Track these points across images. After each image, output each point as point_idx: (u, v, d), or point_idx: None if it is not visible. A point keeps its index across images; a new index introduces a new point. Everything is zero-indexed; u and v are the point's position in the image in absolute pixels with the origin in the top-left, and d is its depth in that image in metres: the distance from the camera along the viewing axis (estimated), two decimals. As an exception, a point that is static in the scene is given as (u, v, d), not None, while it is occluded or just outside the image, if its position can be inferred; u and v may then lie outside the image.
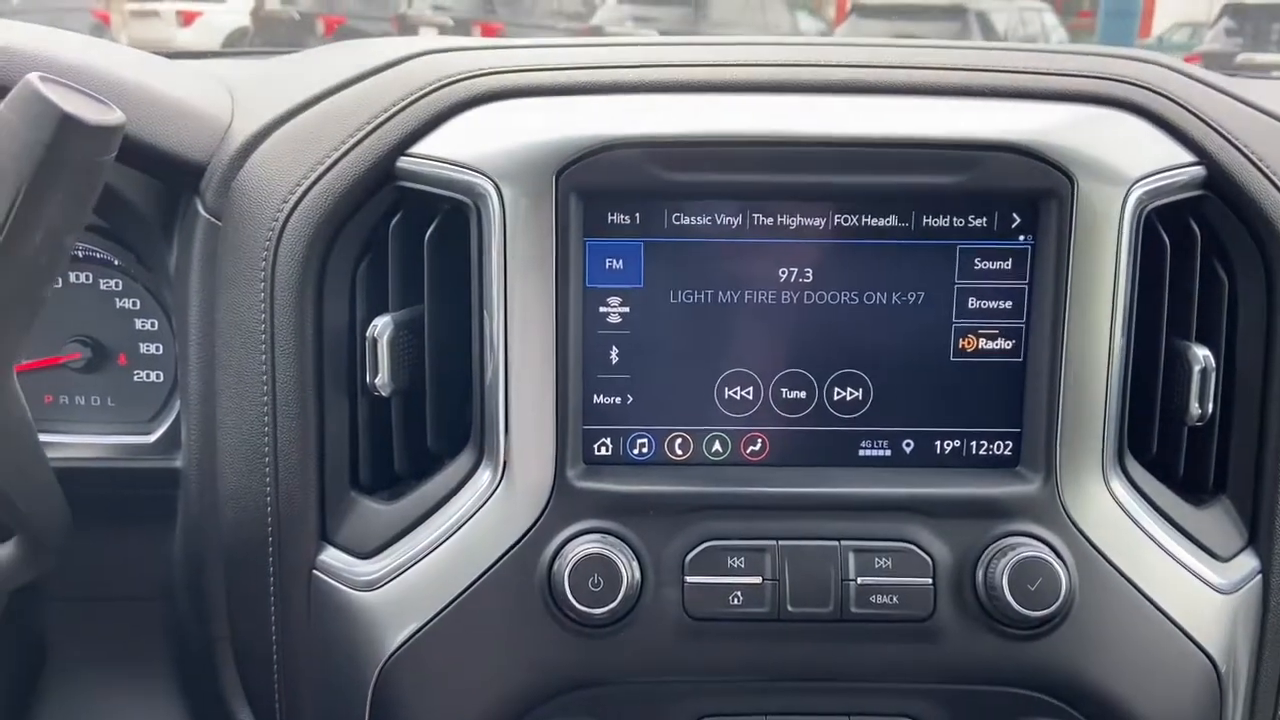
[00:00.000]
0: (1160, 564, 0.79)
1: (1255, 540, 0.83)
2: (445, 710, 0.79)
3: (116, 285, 0.94)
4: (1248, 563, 0.82)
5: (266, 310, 0.78)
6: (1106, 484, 0.79)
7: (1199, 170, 0.79)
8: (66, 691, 0.98)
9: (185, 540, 0.89)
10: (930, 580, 0.77)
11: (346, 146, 0.78)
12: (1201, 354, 0.79)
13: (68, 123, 0.58)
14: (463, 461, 0.80)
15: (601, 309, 0.78)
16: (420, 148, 0.78)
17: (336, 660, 0.81)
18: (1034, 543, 0.77)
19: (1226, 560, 0.82)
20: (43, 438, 0.77)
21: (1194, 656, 0.79)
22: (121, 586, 0.97)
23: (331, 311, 0.79)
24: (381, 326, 0.78)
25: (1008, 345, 0.79)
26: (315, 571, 0.81)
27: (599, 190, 0.77)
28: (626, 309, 0.78)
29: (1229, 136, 0.79)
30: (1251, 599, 0.82)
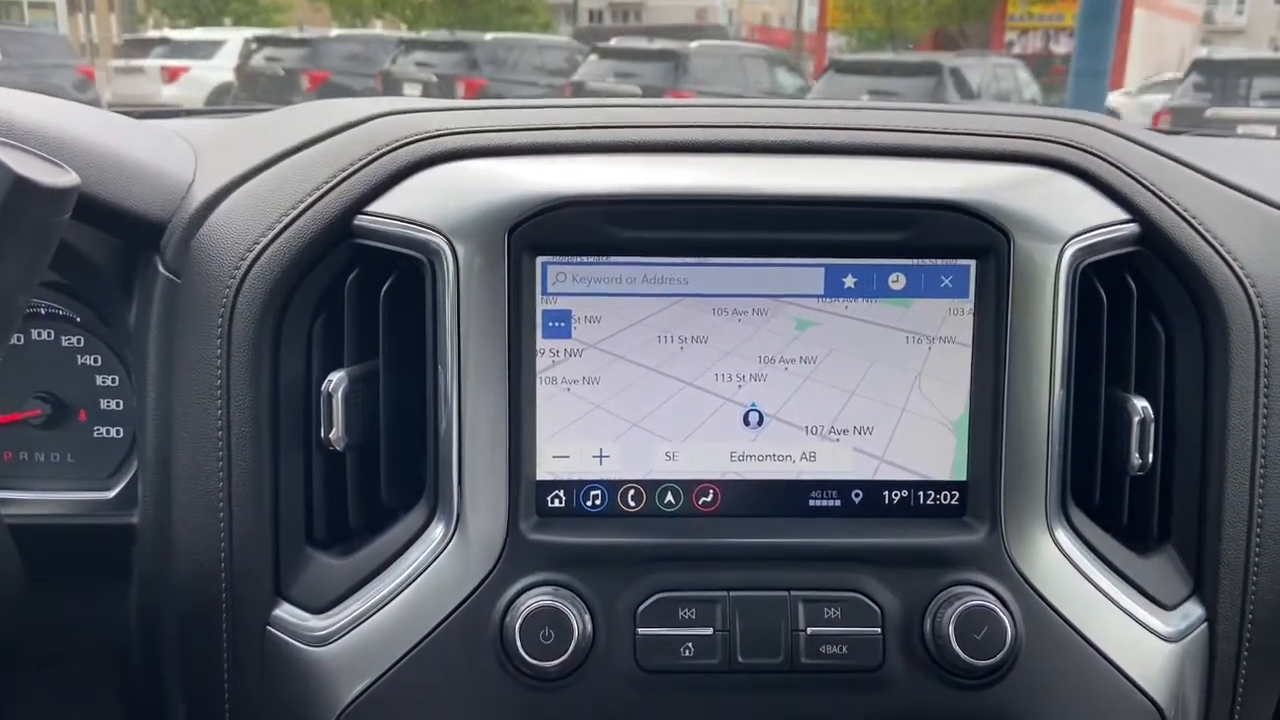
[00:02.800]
0: (1106, 613, 0.80)
1: (1200, 588, 0.84)
2: None
3: (78, 342, 0.95)
4: (1193, 610, 0.83)
5: (223, 366, 0.79)
6: (1051, 533, 0.80)
7: (1133, 227, 0.82)
8: None
9: (140, 597, 0.89)
10: (879, 630, 0.78)
11: (305, 204, 0.80)
12: (1140, 405, 0.81)
13: (20, 185, 0.60)
14: (416, 515, 0.81)
15: (555, 364, 0.80)
16: (377, 206, 0.80)
17: (289, 716, 0.81)
18: (980, 592, 0.78)
19: (1172, 608, 0.83)
20: (0, 495, 0.77)
21: (1141, 705, 0.80)
22: (76, 646, 0.96)
23: (287, 367, 0.80)
24: (336, 381, 0.79)
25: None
26: (269, 628, 0.81)
27: (552, 247, 0.78)
28: (580, 364, 0.80)
29: (1162, 195, 0.82)
30: (1198, 647, 0.83)
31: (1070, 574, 0.80)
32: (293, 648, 0.80)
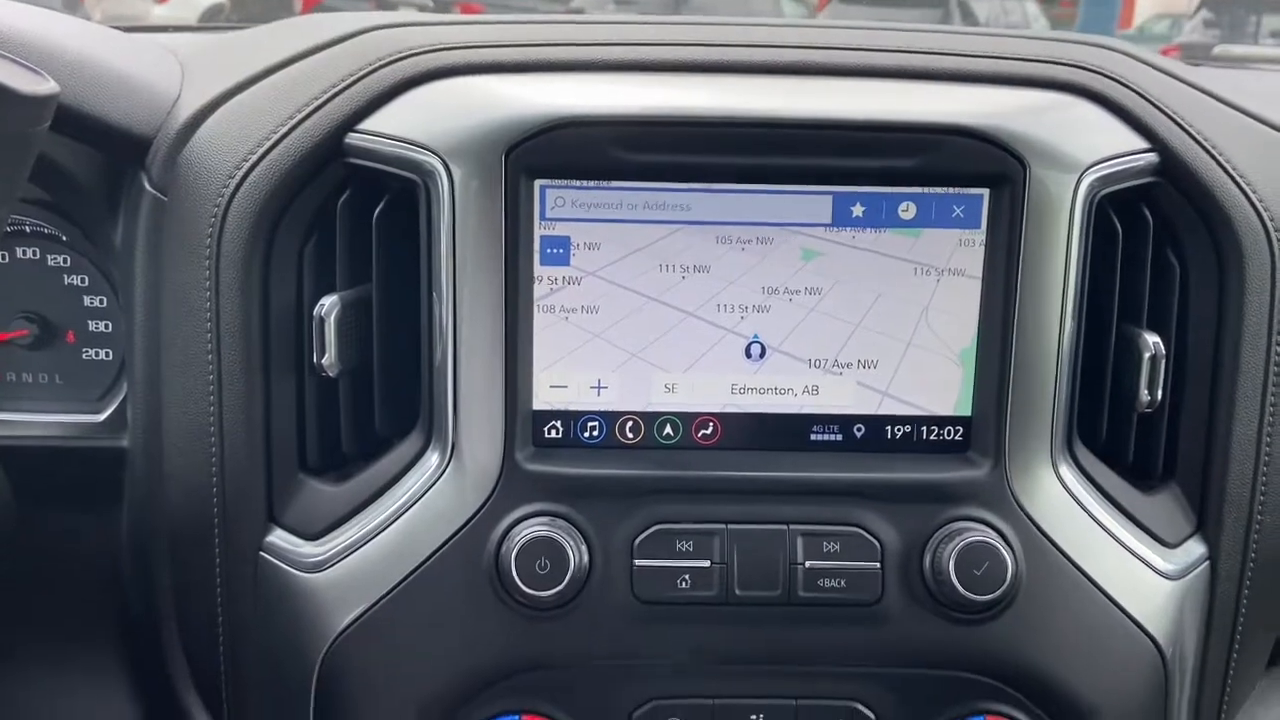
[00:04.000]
0: (1107, 550, 0.80)
1: (1203, 526, 0.83)
2: (391, 692, 0.79)
3: (64, 261, 0.93)
4: (1195, 549, 0.83)
5: (212, 288, 0.77)
6: (1055, 470, 0.79)
7: (1153, 157, 0.79)
8: (12, 678, 0.96)
9: (131, 522, 0.88)
10: (878, 564, 0.78)
11: (294, 121, 0.77)
12: (1151, 341, 0.79)
13: None
14: (411, 443, 0.80)
15: (553, 292, 0.78)
16: (369, 124, 0.77)
17: (282, 642, 0.80)
18: (981, 528, 0.77)
19: (1174, 546, 0.82)
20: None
21: (1140, 642, 0.80)
22: (69, 569, 0.96)
23: (278, 290, 0.78)
24: (329, 306, 0.77)
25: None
26: (262, 553, 0.80)
27: (550, 170, 0.76)
28: (579, 293, 0.78)
29: (1184, 124, 0.79)
30: (1198, 585, 0.82)
31: (1073, 510, 0.79)
32: (286, 574, 0.79)
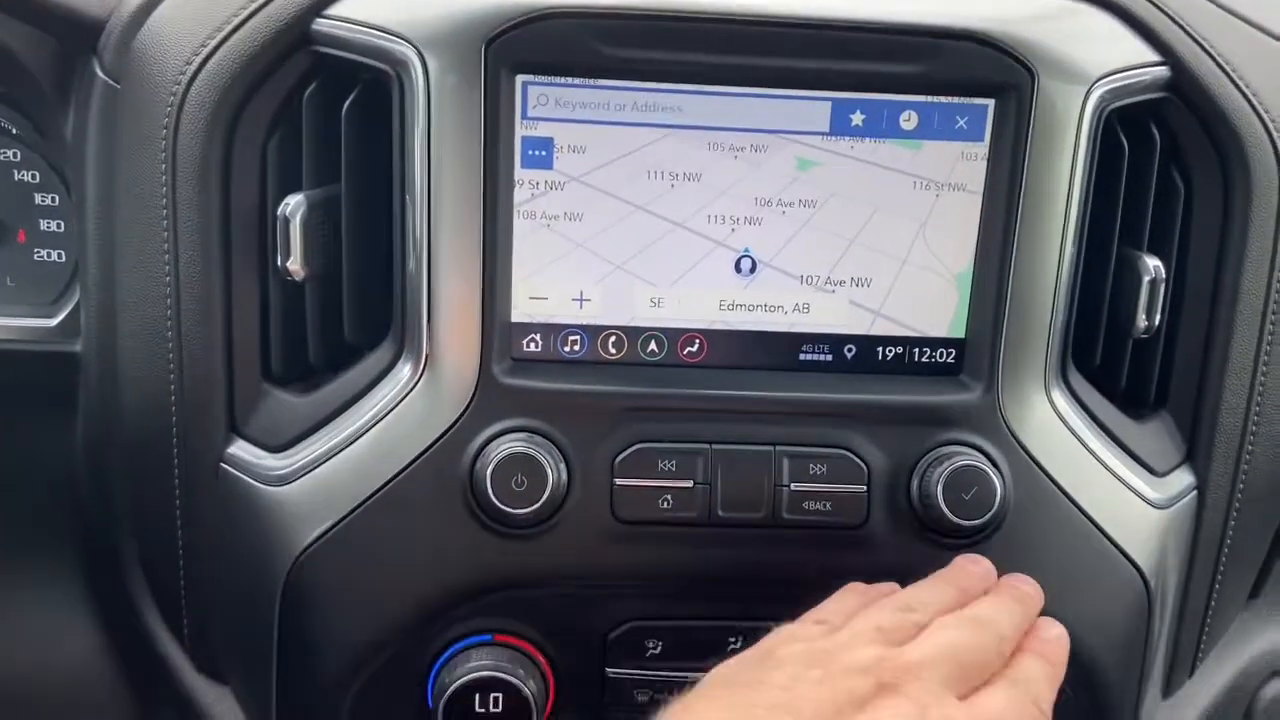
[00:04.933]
0: (1096, 477, 0.78)
1: (1193, 456, 0.82)
2: (358, 611, 0.76)
3: (14, 156, 0.87)
4: (1183, 479, 0.81)
5: (168, 182, 0.72)
6: (1048, 395, 0.77)
7: (1163, 71, 0.75)
8: None
9: (86, 430, 0.84)
10: (864, 487, 0.75)
11: (257, 4, 0.71)
12: (1152, 264, 0.77)
13: None
14: (382, 353, 0.76)
15: (534, 198, 0.73)
16: (338, 9, 0.71)
17: (245, 558, 0.77)
18: (971, 452, 0.75)
19: (1163, 475, 0.81)
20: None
21: (1125, 571, 0.78)
22: (22, 481, 0.92)
23: (240, 187, 0.74)
24: (294, 205, 0.72)
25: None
26: (223, 464, 0.76)
27: (533, 65, 0.71)
28: (562, 199, 0.74)
29: (1198, 38, 0.76)
30: (1185, 515, 0.81)
31: (1063, 437, 0.77)
32: (249, 487, 0.76)
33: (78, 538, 0.91)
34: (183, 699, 0.84)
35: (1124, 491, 0.79)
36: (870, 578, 0.77)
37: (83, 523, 0.88)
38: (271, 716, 0.81)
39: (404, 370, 0.75)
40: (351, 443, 0.75)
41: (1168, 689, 0.87)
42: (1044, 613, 0.78)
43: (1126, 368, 0.81)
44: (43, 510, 0.92)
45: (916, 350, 0.78)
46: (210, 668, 0.84)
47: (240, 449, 0.76)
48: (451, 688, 0.74)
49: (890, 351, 0.78)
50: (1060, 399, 0.78)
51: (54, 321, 0.87)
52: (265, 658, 0.79)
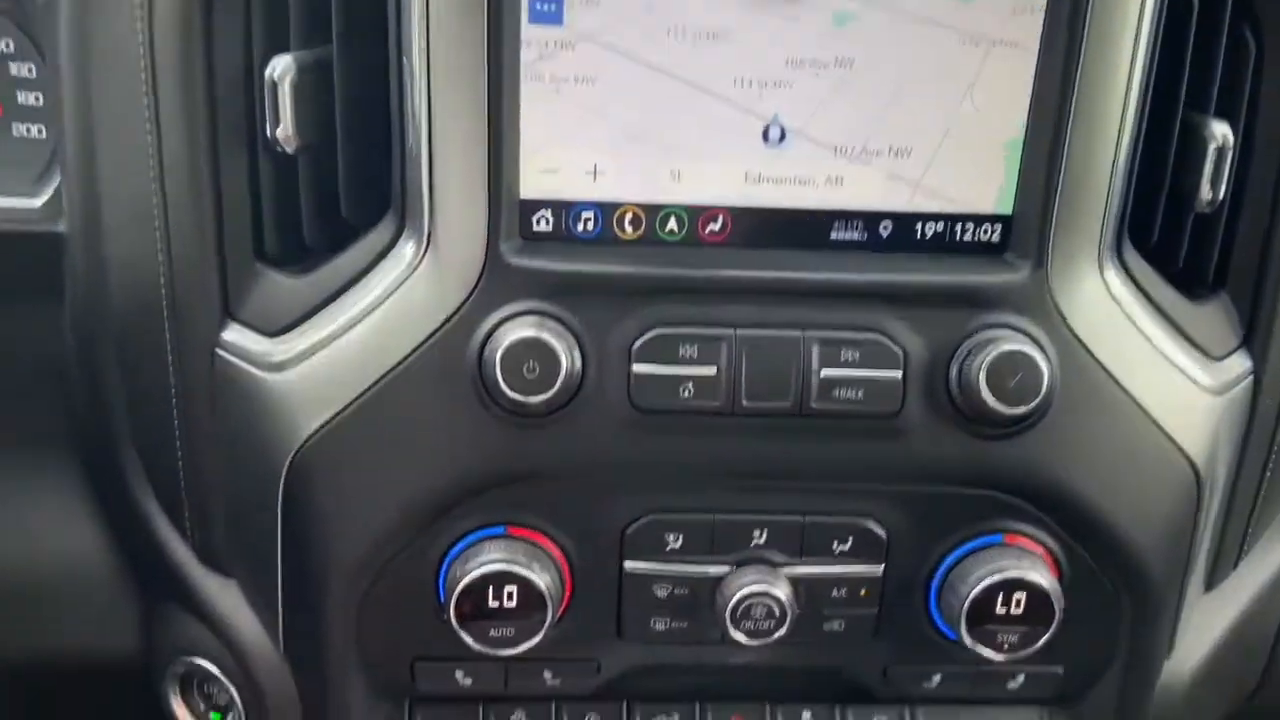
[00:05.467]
0: (1149, 361, 0.73)
1: (1250, 340, 0.77)
2: (364, 504, 0.73)
3: None
4: (1240, 364, 0.77)
5: (145, 43, 0.66)
6: (1101, 274, 0.72)
7: None
8: None
9: (75, 316, 0.79)
10: (899, 374, 0.70)
11: None
12: (1220, 131, 0.71)
13: None
14: (382, 232, 0.71)
15: (543, 58, 0.67)
16: None
17: (244, 448, 0.74)
18: (1016, 335, 0.70)
19: (1218, 360, 0.76)
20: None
21: (1174, 461, 0.74)
22: (13, 370, 0.88)
23: (223, 48, 0.68)
24: (282, 68, 0.66)
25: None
26: (218, 350, 0.72)
27: None
28: (573, 60, 0.67)
29: None
30: (1239, 401, 0.77)
31: (1116, 318, 0.72)
32: (245, 373, 0.72)
33: (74, 430, 0.88)
34: (187, 593, 0.82)
35: (1177, 376, 0.74)
36: (902, 470, 0.73)
37: (76, 414, 0.85)
38: (278, 612, 0.79)
39: (406, 250, 0.70)
40: (352, 327, 0.70)
41: (1210, 582, 0.84)
42: (1089, 506, 0.74)
43: (1186, 245, 0.75)
44: (35, 401, 0.89)
45: (959, 227, 0.72)
46: (214, 561, 0.81)
47: (235, 334, 0.72)
48: (464, 581, 0.71)
49: (930, 228, 0.72)
50: (1114, 278, 0.72)
51: (38, 202, 0.82)
52: (269, 552, 0.76)
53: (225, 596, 0.82)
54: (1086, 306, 0.71)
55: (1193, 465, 0.74)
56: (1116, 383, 0.72)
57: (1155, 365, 0.73)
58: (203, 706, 0.89)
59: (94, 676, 0.91)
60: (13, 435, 0.91)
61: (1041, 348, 0.70)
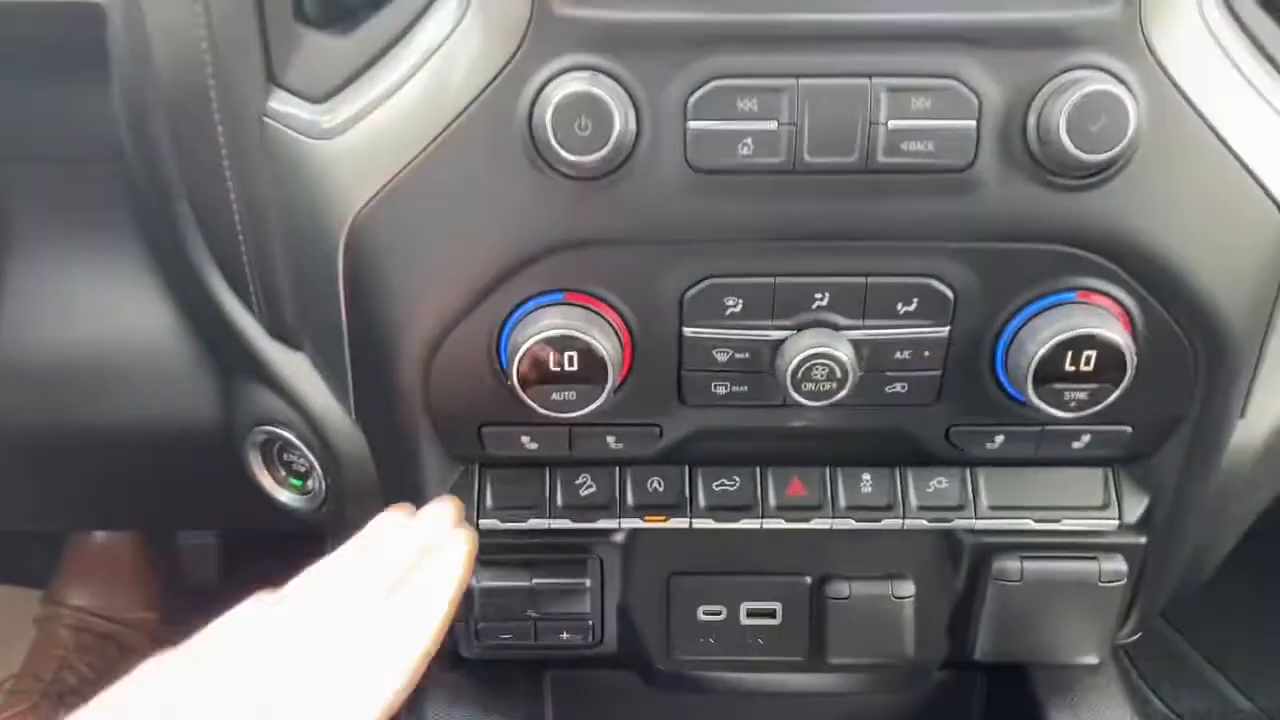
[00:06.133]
0: (1245, 103, 0.68)
1: None
2: (422, 270, 0.72)
3: None
4: None
5: None
6: (1199, 6, 0.66)
7: None
8: (32, 267, 0.92)
9: (122, 89, 0.78)
10: (974, 123, 0.66)
11: None
12: None
13: None
14: None
15: None
16: None
17: (302, 219, 0.73)
18: (1103, 76, 0.64)
19: None
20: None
21: (1265, 208, 0.70)
22: (71, 148, 0.88)
23: None
24: None
25: None
26: (266, 119, 0.71)
27: None
28: None
29: None
30: None
31: (1213, 56, 0.66)
32: (296, 142, 0.70)
33: (136, 209, 0.88)
34: (259, 366, 0.84)
35: (1276, 123, 0.68)
36: (972, 227, 0.70)
37: (137, 193, 0.85)
38: (347, 381, 0.81)
39: (449, 2, 0.66)
40: (398, 89, 0.68)
41: None
42: (1172, 261, 0.71)
43: None
44: (97, 184, 0.89)
45: None
46: (283, 335, 0.83)
47: (281, 101, 0.70)
48: (524, 346, 0.71)
49: None
50: (1213, 11, 0.66)
51: None
52: (335, 323, 0.77)
53: (296, 368, 0.84)
54: (1182, 42, 0.66)
55: None
56: (1209, 125, 0.67)
57: (1252, 108, 0.68)
58: (283, 473, 0.93)
59: (179, 445, 0.96)
60: (80, 218, 0.92)
61: (1129, 88, 0.65)
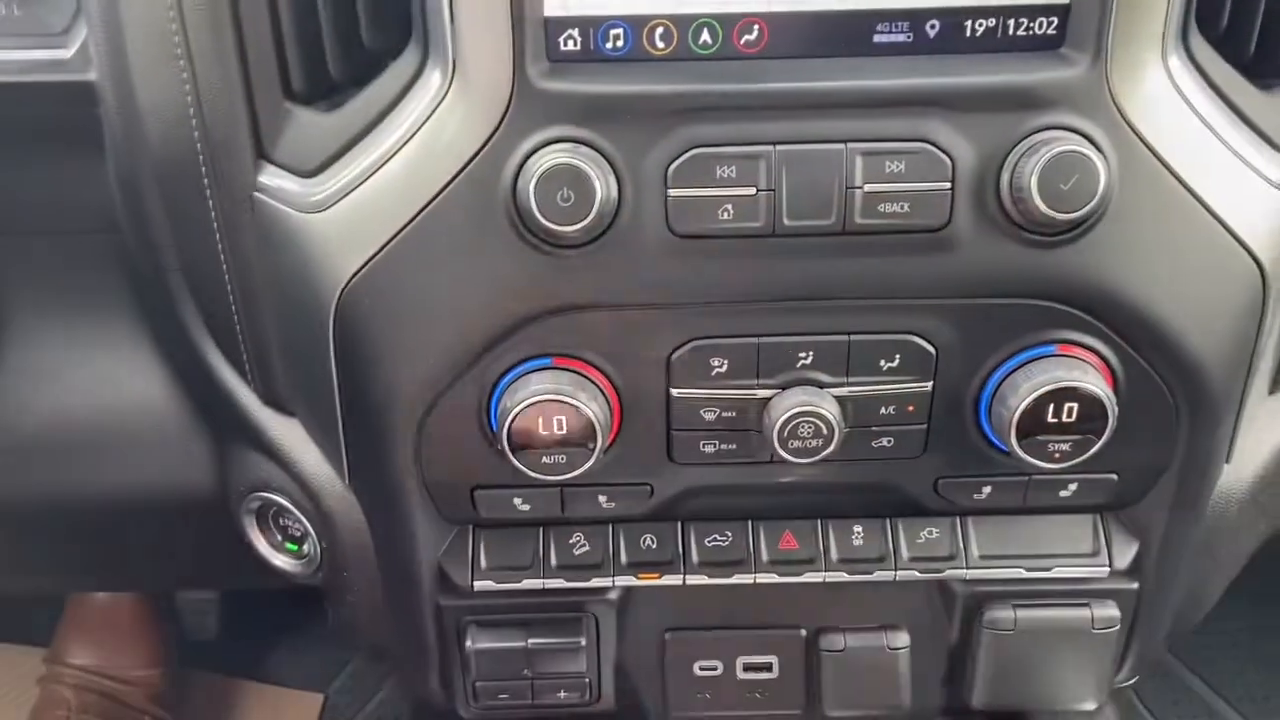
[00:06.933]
0: (1214, 156, 0.69)
1: None
2: (412, 338, 0.74)
3: None
4: None
5: None
6: (1164, 63, 0.67)
7: None
8: (28, 337, 0.94)
9: (115, 165, 0.80)
10: (948, 184, 0.68)
11: None
12: None
13: None
14: (407, 61, 0.69)
15: None
16: None
17: (293, 290, 0.74)
18: (1072, 136, 0.66)
19: None
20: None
21: (1239, 261, 0.71)
22: (65, 220, 0.90)
23: None
24: None
25: None
26: (256, 194, 0.72)
27: None
28: None
29: None
30: None
31: (1179, 111, 0.68)
32: (286, 215, 0.72)
33: (131, 281, 0.90)
34: (253, 432, 0.85)
35: (1244, 172, 0.70)
36: (951, 284, 0.71)
37: (131, 264, 0.86)
38: (340, 447, 0.82)
39: (432, 78, 0.68)
40: (385, 163, 0.69)
41: (1274, 385, 0.82)
42: (1147, 311, 0.72)
43: (1257, 31, 0.70)
44: (92, 255, 0.91)
45: (1012, 22, 0.67)
46: (276, 402, 0.84)
47: (271, 176, 0.72)
48: (514, 411, 0.72)
49: (980, 25, 0.68)
50: (1178, 67, 0.68)
51: (69, 52, 0.81)
52: (327, 391, 0.78)
53: (290, 434, 0.85)
54: (1148, 100, 0.67)
55: (1258, 263, 0.71)
56: (1178, 178, 0.68)
57: (1220, 160, 0.69)
58: (279, 538, 0.94)
59: (176, 510, 0.96)
60: (76, 289, 0.94)
61: (1098, 147, 0.66)
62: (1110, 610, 0.88)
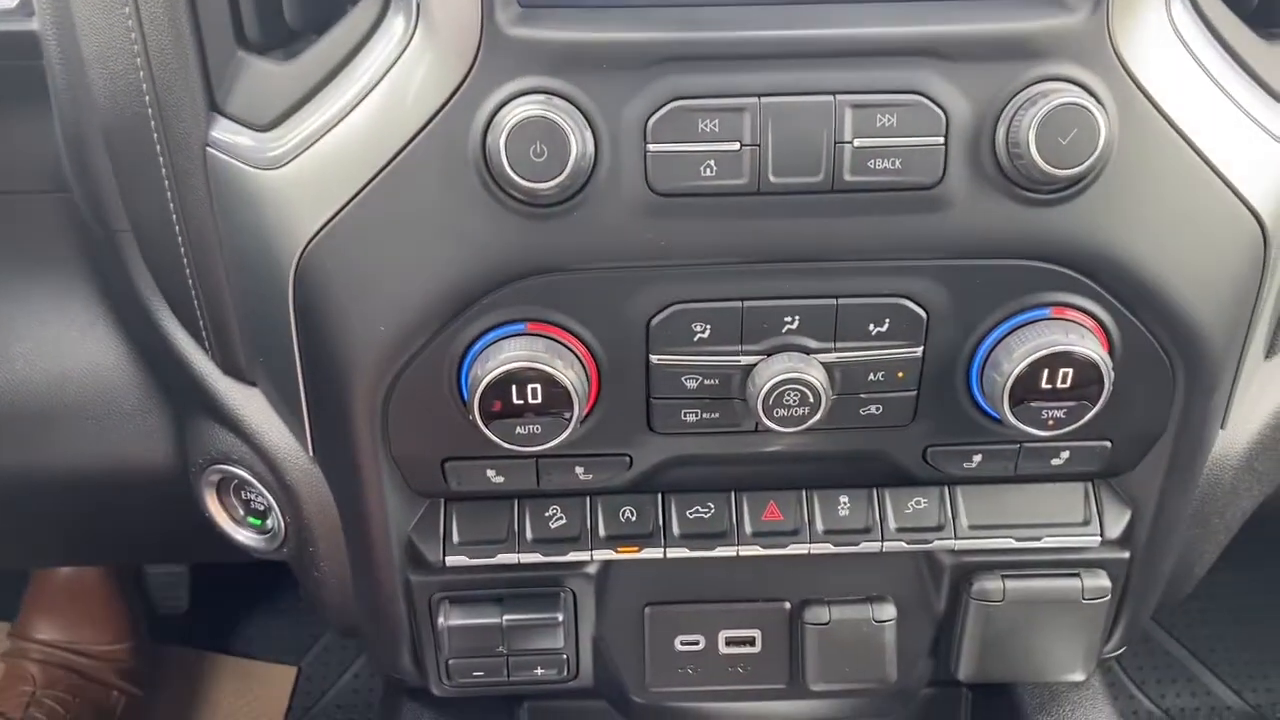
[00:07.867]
0: (1217, 109, 0.66)
1: None
2: (376, 303, 0.70)
3: None
4: None
5: None
6: (1168, 11, 0.64)
7: None
8: None
9: (61, 119, 0.75)
10: (941, 139, 0.64)
11: None
12: None
13: None
14: (368, 6, 0.65)
15: None
16: None
17: (250, 252, 0.70)
18: (1071, 88, 0.63)
19: None
20: None
21: (1240, 218, 0.68)
22: (14, 180, 0.85)
23: None
24: None
25: None
26: (209, 149, 0.68)
27: None
28: None
29: None
30: None
31: (1183, 62, 0.65)
32: (240, 172, 0.68)
33: (82, 242, 0.85)
34: (213, 403, 0.81)
35: (1248, 126, 0.67)
36: (943, 244, 0.68)
37: (82, 227, 0.82)
38: (303, 417, 0.78)
39: (395, 24, 0.64)
40: (345, 115, 0.65)
41: (1272, 349, 0.79)
42: (1145, 272, 0.69)
43: None
44: (41, 216, 0.86)
45: None
46: (236, 371, 0.80)
47: (224, 130, 0.68)
48: (485, 380, 0.69)
49: None
50: (1182, 16, 0.65)
51: (13, 2, 0.77)
52: (288, 357, 0.74)
53: (250, 404, 0.81)
54: (1151, 50, 0.64)
55: (1259, 221, 0.68)
56: (1179, 132, 0.65)
57: (1224, 113, 0.66)
58: (241, 511, 0.90)
59: (136, 483, 0.93)
60: (24, 252, 0.89)
61: (1098, 99, 0.63)
62: (1101, 580, 0.86)
